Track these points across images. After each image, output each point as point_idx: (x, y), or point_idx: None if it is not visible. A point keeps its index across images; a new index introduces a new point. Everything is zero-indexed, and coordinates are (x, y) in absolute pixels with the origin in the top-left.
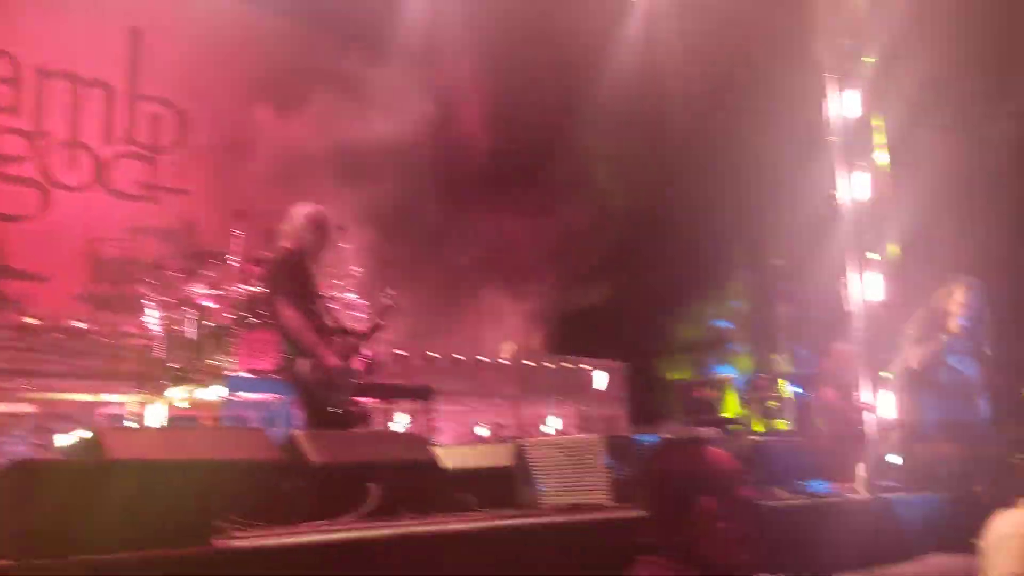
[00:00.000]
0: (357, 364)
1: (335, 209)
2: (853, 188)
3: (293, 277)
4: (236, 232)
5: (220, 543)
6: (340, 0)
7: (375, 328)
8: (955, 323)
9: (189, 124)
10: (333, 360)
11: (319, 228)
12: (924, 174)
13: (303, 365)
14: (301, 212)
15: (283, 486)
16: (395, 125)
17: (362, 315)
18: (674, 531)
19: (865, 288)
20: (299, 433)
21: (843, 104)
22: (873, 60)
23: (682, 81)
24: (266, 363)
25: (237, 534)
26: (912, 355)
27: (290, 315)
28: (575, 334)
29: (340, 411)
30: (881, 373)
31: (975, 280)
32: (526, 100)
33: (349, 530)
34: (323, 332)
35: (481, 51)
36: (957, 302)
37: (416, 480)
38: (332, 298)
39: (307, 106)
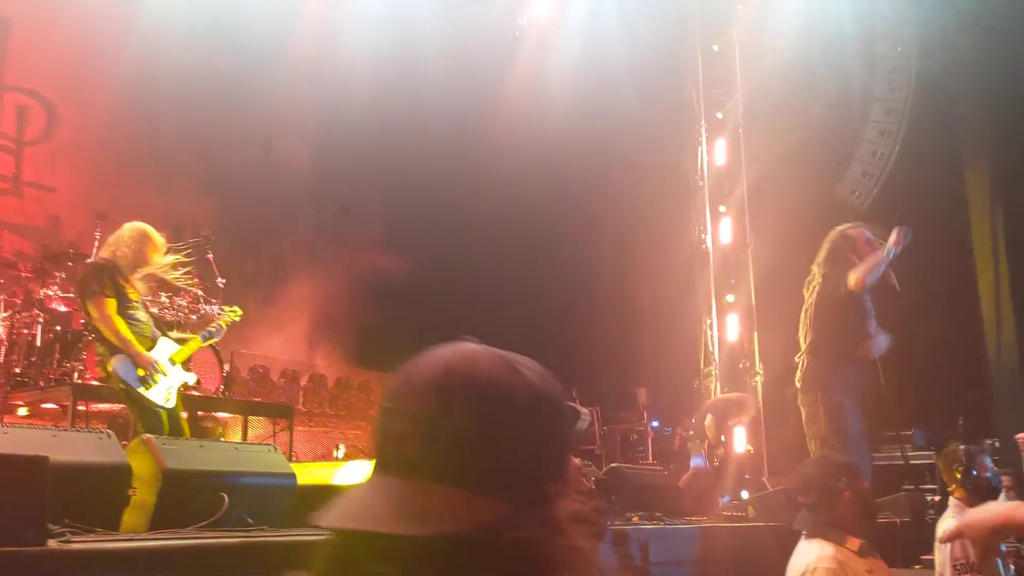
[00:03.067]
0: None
1: (199, 217)
2: (718, 233)
3: (102, 282)
4: (97, 234)
5: (56, 545)
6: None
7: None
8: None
9: (58, 119)
10: (147, 356)
11: (141, 245)
12: (780, 219)
13: (118, 361)
14: (128, 226)
15: (130, 492)
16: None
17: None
18: None
19: (724, 328)
20: (150, 438)
21: (713, 152)
22: (741, 110)
23: (566, 129)
24: None
25: (76, 538)
26: (855, 273)
27: (102, 314)
28: None
29: (160, 407)
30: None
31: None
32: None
33: (194, 538)
34: (143, 338)
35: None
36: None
37: (269, 494)
38: (173, 308)
39: (183, 113)
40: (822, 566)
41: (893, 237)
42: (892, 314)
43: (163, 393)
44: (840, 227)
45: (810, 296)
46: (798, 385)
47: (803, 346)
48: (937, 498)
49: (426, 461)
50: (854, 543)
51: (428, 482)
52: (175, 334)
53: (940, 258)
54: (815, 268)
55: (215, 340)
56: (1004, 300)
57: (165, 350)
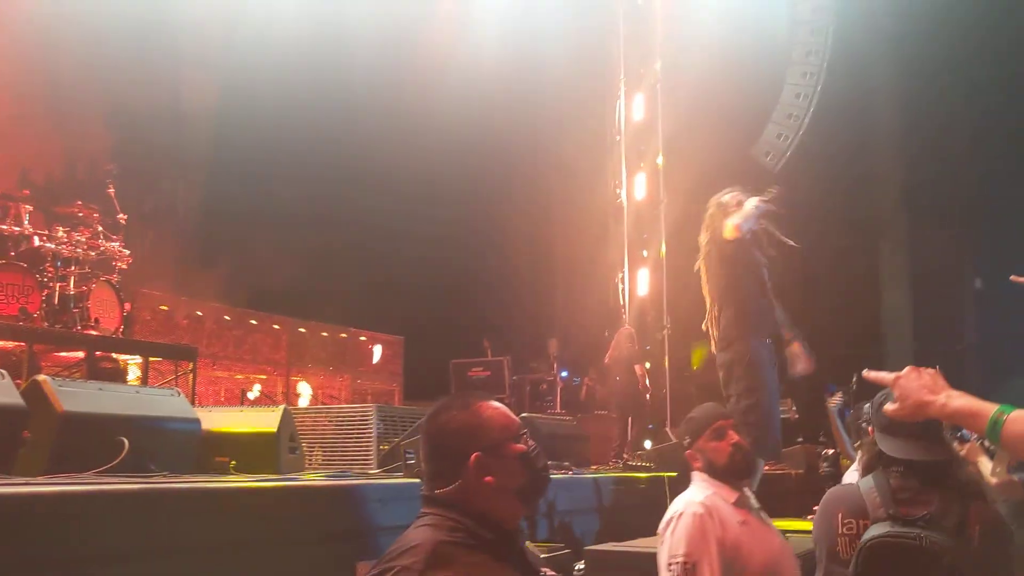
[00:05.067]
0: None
1: (97, 151)
2: (633, 188)
3: None
4: None
5: None
6: None
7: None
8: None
9: None
10: None
11: None
12: (695, 177)
13: None
14: None
15: (24, 434)
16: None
17: (123, 265)
18: (448, 485)
19: (635, 282)
20: (46, 379)
21: (632, 107)
22: (660, 66)
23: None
24: (10, 307)
25: None
26: (730, 221)
27: None
28: (356, 305)
29: None
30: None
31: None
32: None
33: (92, 483)
34: None
35: None
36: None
37: (172, 439)
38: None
39: (85, 42)
40: (688, 510)
41: (764, 196)
42: (792, 274)
43: None
44: (715, 196)
45: (701, 265)
46: (714, 345)
47: (709, 310)
48: (830, 451)
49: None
50: (731, 494)
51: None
52: None
53: (844, 220)
54: (701, 239)
55: None
56: (901, 262)
57: None
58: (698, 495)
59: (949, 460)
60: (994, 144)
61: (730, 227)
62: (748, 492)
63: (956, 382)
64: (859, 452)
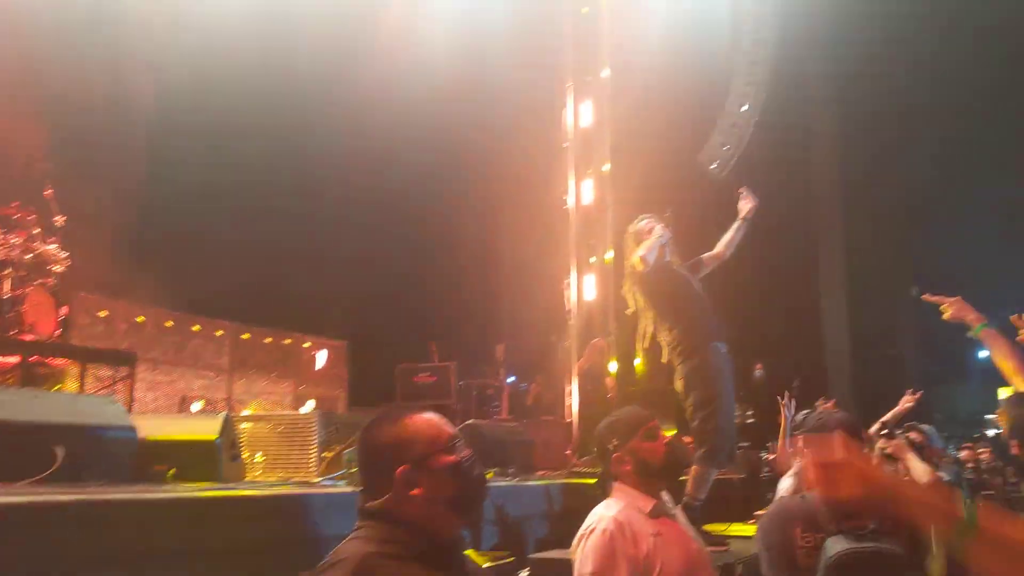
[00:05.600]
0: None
1: (31, 147)
2: (580, 194)
3: None
4: None
5: None
6: None
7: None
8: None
9: None
10: None
11: None
12: (642, 183)
13: None
14: None
15: None
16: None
17: (60, 268)
18: (379, 498)
19: (583, 288)
20: None
21: (579, 113)
22: (607, 73)
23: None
24: None
25: None
26: (634, 256)
27: None
28: (300, 310)
29: None
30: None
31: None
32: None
33: (23, 494)
34: None
35: None
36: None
37: (108, 448)
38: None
39: (16, 30)
40: (599, 526)
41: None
42: (736, 283)
43: None
44: (632, 224)
45: (627, 290)
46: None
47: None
48: (771, 456)
49: None
50: (647, 503)
51: None
52: None
53: (785, 229)
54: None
55: None
56: (838, 270)
57: None
58: (611, 509)
59: None
60: (930, 154)
61: (636, 262)
62: (666, 497)
63: (892, 387)
64: (796, 460)
